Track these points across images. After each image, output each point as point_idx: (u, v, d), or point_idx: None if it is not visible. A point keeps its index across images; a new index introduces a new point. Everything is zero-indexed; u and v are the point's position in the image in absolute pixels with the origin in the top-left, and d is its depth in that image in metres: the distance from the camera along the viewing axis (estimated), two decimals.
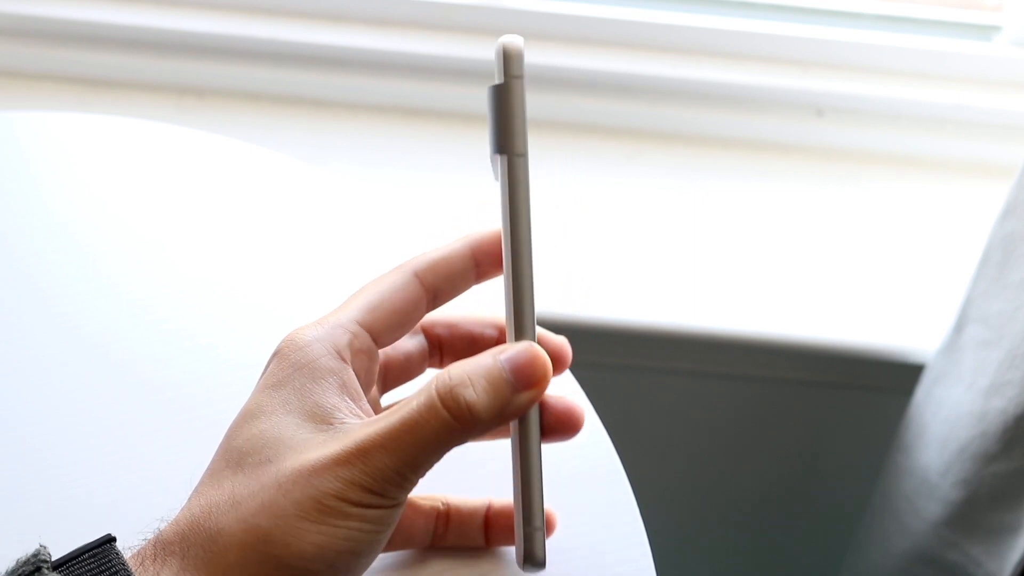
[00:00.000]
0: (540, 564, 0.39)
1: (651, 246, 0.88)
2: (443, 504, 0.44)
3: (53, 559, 0.35)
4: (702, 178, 0.94)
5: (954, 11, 0.99)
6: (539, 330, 0.42)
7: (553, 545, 0.45)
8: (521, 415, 0.38)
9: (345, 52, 0.95)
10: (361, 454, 0.35)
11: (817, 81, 0.96)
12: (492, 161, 0.40)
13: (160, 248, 0.58)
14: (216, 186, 0.62)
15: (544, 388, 0.37)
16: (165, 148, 0.64)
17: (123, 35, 0.94)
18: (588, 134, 0.96)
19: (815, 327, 0.85)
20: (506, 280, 0.39)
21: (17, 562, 0.35)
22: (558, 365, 0.43)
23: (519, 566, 0.39)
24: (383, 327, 0.41)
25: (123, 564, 0.34)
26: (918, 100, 0.96)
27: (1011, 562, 0.75)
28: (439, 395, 0.36)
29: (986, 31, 0.99)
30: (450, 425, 0.36)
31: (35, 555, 0.34)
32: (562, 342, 0.44)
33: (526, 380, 0.37)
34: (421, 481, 0.37)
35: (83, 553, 0.35)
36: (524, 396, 0.37)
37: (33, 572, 0.33)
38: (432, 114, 0.96)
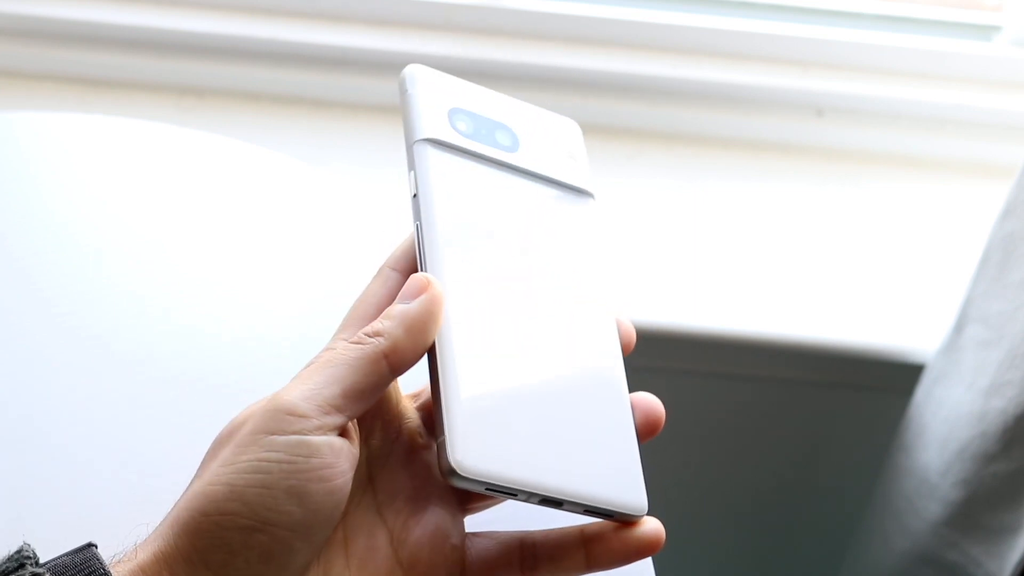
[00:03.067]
0: (455, 470, 0.36)
1: (651, 246, 0.88)
2: (522, 534, 0.42)
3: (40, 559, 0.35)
4: (702, 178, 0.94)
5: (954, 11, 0.99)
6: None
7: None
8: (431, 326, 0.39)
9: (345, 52, 0.95)
10: (280, 392, 0.37)
11: (817, 81, 0.96)
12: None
13: (160, 248, 0.58)
14: (216, 186, 0.62)
15: (432, 293, 0.39)
16: (165, 148, 0.64)
17: (123, 35, 0.94)
18: (588, 134, 0.95)
19: (815, 327, 0.85)
20: (417, 252, 0.40)
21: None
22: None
23: (441, 478, 0.36)
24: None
25: (100, 562, 0.35)
26: (918, 100, 0.96)
27: (1011, 562, 0.75)
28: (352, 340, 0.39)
29: (986, 31, 0.99)
30: (358, 348, 0.38)
31: (18, 551, 0.35)
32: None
33: (410, 293, 0.39)
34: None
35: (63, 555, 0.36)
36: (415, 304, 0.39)
37: (17, 568, 0.33)
38: None
